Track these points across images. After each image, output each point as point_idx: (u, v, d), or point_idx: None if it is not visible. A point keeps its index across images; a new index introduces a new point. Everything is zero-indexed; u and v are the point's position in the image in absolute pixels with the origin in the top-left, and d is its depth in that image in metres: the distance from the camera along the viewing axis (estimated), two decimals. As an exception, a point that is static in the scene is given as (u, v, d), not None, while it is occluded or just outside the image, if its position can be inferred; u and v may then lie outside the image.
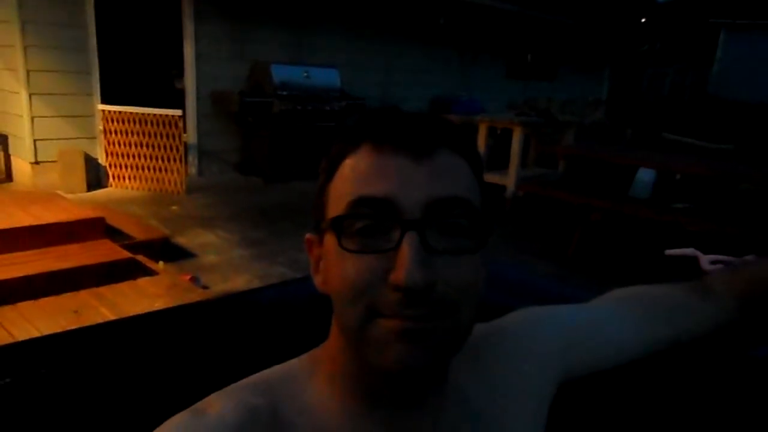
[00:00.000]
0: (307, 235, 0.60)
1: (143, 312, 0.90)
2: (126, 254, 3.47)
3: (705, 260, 0.99)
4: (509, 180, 5.82)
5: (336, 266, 0.51)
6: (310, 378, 0.59)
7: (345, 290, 0.50)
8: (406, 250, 0.47)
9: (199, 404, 0.55)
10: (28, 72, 5.36)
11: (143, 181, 5.91)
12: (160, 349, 0.83)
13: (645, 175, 5.16)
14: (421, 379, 0.53)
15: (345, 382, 0.56)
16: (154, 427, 0.51)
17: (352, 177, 0.52)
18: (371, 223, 0.50)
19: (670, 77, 14.43)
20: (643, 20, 14.84)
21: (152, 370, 0.80)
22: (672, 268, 0.94)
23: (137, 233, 4.07)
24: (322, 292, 0.57)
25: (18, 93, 5.44)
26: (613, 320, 0.75)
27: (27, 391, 0.70)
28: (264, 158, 6.67)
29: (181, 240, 4.40)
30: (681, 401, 0.90)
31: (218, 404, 0.54)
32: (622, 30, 12.95)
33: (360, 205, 0.50)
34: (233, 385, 0.58)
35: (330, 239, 0.52)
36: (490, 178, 6.00)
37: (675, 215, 4.54)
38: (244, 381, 0.59)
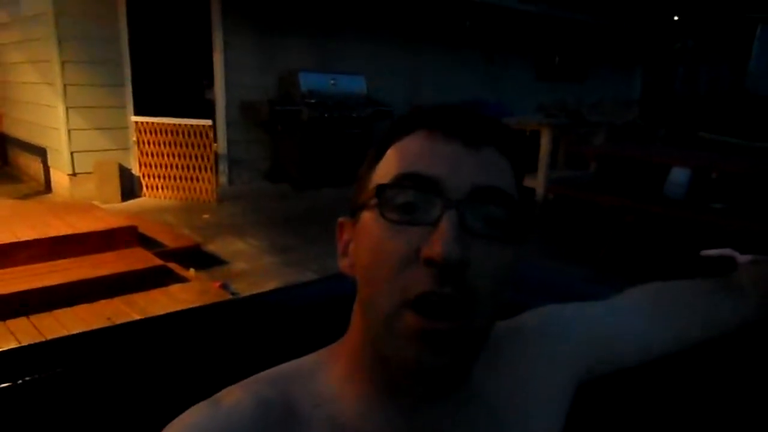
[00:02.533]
0: (340, 219, 0.61)
1: (165, 313, 0.91)
2: (158, 262, 3.54)
3: (743, 260, 0.95)
4: (539, 182, 5.74)
5: (371, 241, 0.52)
6: (328, 371, 0.59)
7: (379, 266, 0.50)
8: (446, 225, 0.47)
9: (216, 395, 0.56)
10: (65, 86, 5.54)
11: (175, 191, 6.03)
12: (179, 349, 0.84)
13: (679, 174, 5.03)
14: (440, 380, 0.53)
15: (364, 375, 0.56)
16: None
17: (400, 156, 0.53)
18: (413, 199, 0.50)
19: (705, 75, 14.08)
20: (675, 18, 14.54)
21: (173, 370, 0.82)
22: (708, 270, 0.91)
23: (169, 241, 4.15)
24: (348, 275, 0.58)
25: (55, 107, 5.62)
26: (637, 318, 0.73)
27: (46, 390, 0.72)
28: (293, 166, 6.74)
29: (212, 247, 4.47)
30: (696, 401, 0.87)
31: (234, 396, 0.55)
32: (653, 28, 12.70)
33: (406, 178, 0.51)
34: (249, 378, 0.59)
35: (368, 215, 0.53)
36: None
37: (713, 216, 4.41)
38: (261, 374, 0.60)
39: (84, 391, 0.76)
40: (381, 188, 0.51)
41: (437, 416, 0.56)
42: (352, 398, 0.56)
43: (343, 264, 0.60)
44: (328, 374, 0.59)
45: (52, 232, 3.53)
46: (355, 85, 7.17)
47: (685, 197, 4.91)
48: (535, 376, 0.65)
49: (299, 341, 0.71)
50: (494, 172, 0.52)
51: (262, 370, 0.59)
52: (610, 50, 11.63)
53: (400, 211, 0.50)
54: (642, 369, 0.71)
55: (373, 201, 0.52)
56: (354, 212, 0.57)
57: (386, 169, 0.54)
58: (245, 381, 0.58)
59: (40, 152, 6.23)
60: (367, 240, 0.53)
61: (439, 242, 0.46)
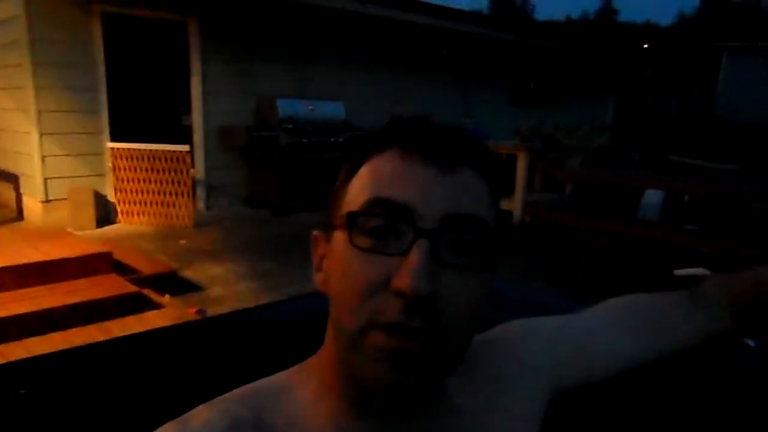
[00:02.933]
0: (315, 232, 0.60)
1: (137, 332, 0.89)
2: (133, 288, 3.48)
3: None
4: (516, 205, 5.81)
5: (342, 264, 0.51)
6: (300, 388, 0.58)
7: (348, 291, 0.50)
8: (416, 257, 0.46)
9: (185, 415, 0.54)
10: (39, 112, 5.48)
11: (152, 217, 5.96)
12: (152, 368, 0.82)
13: (653, 197, 5.15)
14: (410, 398, 0.52)
15: (336, 391, 0.55)
16: None
17: (374, 178, 0.52)
18: (384, 224, 0.49)
19: (675, 101, 14.49)
20: (645, 45, 15.00)
21: (144, 389, 0.80)
22: (681, 288, 0.93)
23: (144, 267, 4.08)
24: (322, 291, 0.57)
25: (29, 133, 5.55)
26: (607, 330, 0.74)
27: (8, 412, 0.70)
28: (272, 191, 6.73)
29: (189, 273, 4.41)
30: (672, 409, 0.88)
31: (203, 415, 0.54)
32: (625, 56, 13.08)
33: (377, 205, 0.50)
34: (221, 397, 0.57)
35: (340, 236, 0.52)
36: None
37: (687, 237, 4.50)
38: (232, 392, 0.58)
39: (51, 412, 0.74)
40: (352, 216, 0.50)
41: (411, 431, 0.56)
42: (323, 417, 0.55)
43: (318, 279, 0.59)
44: (300, 392, 0.58)
45: (24, 260, 3.45)
46: (334, 110, 7.22)
47: (659, 219, 5.01)
48: (508, 388, 0.65)
49: (274, 359, 0.70)
50: (469, 197, 0.51)
51: (236, 388, 0.58)
52: (583, 77, 11.92)
53: (370, 237, 0.49)
54: (613, 382, 0.72)
55: (345, 226, 0.51)
56: (327, 228, 0.56)
57: (359, 188, 0.52)
58: (216, 399, 0.57)
59: (13, 179, 6.12)
60: (338, 263, 0.52)
61: (408, 275, 0.46)
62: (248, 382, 0.59)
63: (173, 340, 0.90)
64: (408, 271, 0.46)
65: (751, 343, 0.87)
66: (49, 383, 0.76)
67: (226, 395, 0.57)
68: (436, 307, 0.47)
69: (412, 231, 0.48)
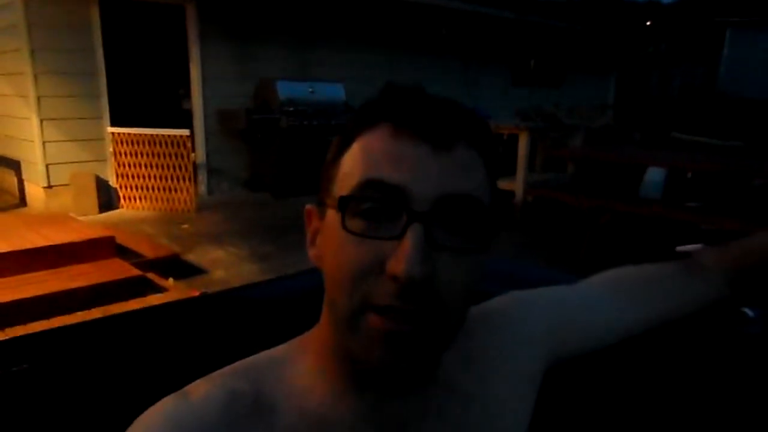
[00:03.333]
0: (308, 206, 0.59)
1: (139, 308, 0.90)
2: (136, 272, 3.50)
3: None
4: (517, 185, 5.80)
5: (335, 247, 0.50)
6: (299, 362, 0.58)
7: (342, 275, 0.49)
8: (410, 241, 0.46)
9: (185, 388, 0.55)
10: (38, 98, 5.47)
11: (154, 201, 5.97)
12: (154, 344, 0.83)
13: (655, 174, 5.12)
14: (404, 377, 0.53)
15: (334, 365, 0.56)
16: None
17: (366, 157, 0.51)
18: (378, 208, 0.48)
19: (678, 78, 14.36)
20: (648, 23, 14.82)
21: (148, 365, 0.81)
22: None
23: (147, 251, 4.10)
24: (317, 266, 0.57)
25: (29, 119, 5.54)
26: (602, 300, 0.74)
27: (11, 386, 0.71)
28: (272, 174, 6.72)
29: (191, 257, 4.43)
30: (672, 378, 0.89)
31: (202, 388, 0.55)
32: (627, 34, 12.94)
33: (369, 187, 0.49)
34: (220, 370, 0.58)
35: (332, 216, 0.51)
36: (499, 184, 5.98)
37: (688, 214, 4.49)
38: (232, 366, 0.59)
39: (54, 385, 0.75)
40: (344, 200, 0.49)
41: (406, 407, 0.56)
42: (322, 390, 0.56)
43: (312, 253, 0.59)
44: (299, 365, 0.58)
45: (27, 245, 3.47)
46: (334, 92, 7.18)
47: (661, 197, 4.99)
48: (504, 361, 0.65)
49: (273, 335, 0.71)
50: (464, 176, 0.50)
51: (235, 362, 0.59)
52: (585, 56, 11.81)
53: (363, 219, 0.48)
54: (612, 351, 0.72)
55: (337, 208, 0.50)
56: (321, 203, 0.56)
57: (351, 166, 0.51)
58: (215, 373, 0.57)
59: (15, 165, 6.13)
60: (331, 243, 0.51)
61: (403, 260, 0.45)
62: (250, 355, 0.59)
63: (173, 317, 0.91)
64: (403, 256, 0.45)
65: (749, 312, 0.88)
66: (53, 358, 0.77)
67: (225, 369, 0.58)
68: (430, 289, 0.47)
69: (406, 214, 0.47)
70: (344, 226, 0.49)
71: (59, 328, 0.84)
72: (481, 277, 0.52)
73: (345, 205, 0.49)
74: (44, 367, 0.75)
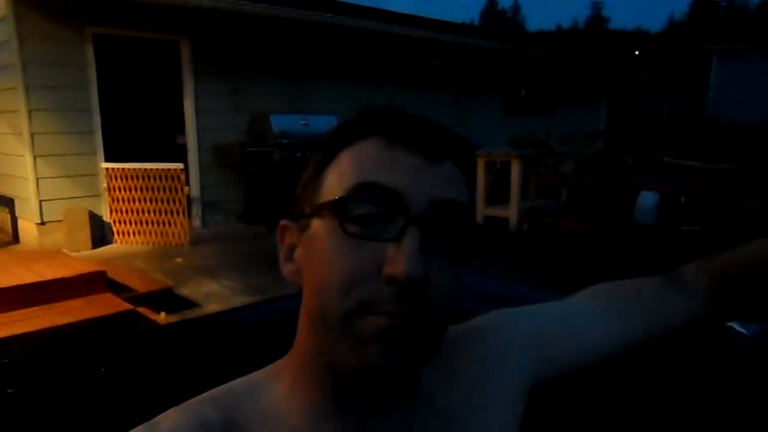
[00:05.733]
0: (282, 222, 0.59)
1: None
2: (127, 306, 3.46)
3: None
4: (511, 212, 5.81)
5: (326, 253, 0.50)
6: (274, 387, 0.57)
7: (335, 279, 0.48)
8: (409, 244, 0.46)
9: (154, 419, 0.54)
10: (32, 135, 5.49)
11: (148, 236, 5.95)
12: (133, 371, 0.81)
13: (648, 199, 5.13)
14: (394, 380, 0.51)
15: (311, 385, 0.54)
16: None
17: (357, 165, 0.51)
18: (373, 211, 0.49)
19: (668, 104, 14.57)
20: (636, 52, 15.11)
21: (127, 392, 0.79)
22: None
23: (139, 286, 4.07)
24: (293, 282, 0.56)
25: (23, 156, 5.56)
26: (586, 317, 0.73)
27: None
28: (267, 206, 6.72)
29: (185, 290, 4.39)
30: (660, 394, 0.87)
31: (171, 418, 0.53)
32: (615, 62, 13.17)
33: (365, 190, 0.49)
34: (193, 399, 0.56)
35: (323, 224, 0.51)
36: (493, 211, 6.00)
37: (685, 238, 4.48)
38: (206, 394, 0.57)
39: (31, 410, 0.73)
40: (341, 201, 0.49)
41: (386, 425, 0.55)
42: (297, 413, 0.55)
43: (287, 269, 0.58)
44: (274, 390, 0.57)
45: (17, 281, 3.44)
46: (327, 124, 7.23)
47: (655, 221, 4.99)
48: (487, 378, 0.64)
49: (253, 359, 0.69)
50: (452, 186, 0.51)
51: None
52: (575, 83, 11.99)
53: (358, 223, 0.48)
54: (600, 367, 0.71)
55: (330, 212, 0.50)
56: (299, 218, 0.55)
57: (340, 175, 0.51)
58: (188, 402, 0.56)
59: (8, 203, 6.11)
60: (321, 251, 0.50)
61: (402, 262, 0.46)
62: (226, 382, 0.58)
63: (155, 343, 0.89)
64: (403, 258, 0.46)
65: (738, 327, 0.86)
66: (31, 384, 0.75)
67: (199, 397, 0.57)
68: (424, 292, 0.47)
69: (404, 217, 0.48)
70: (342, 228, 0.48)
71: (37, 355, 0.82)
72: (461, 283, 0.52)
73: (343, 207, 0.49)
74: (31, 392, 0.73)
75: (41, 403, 0.76)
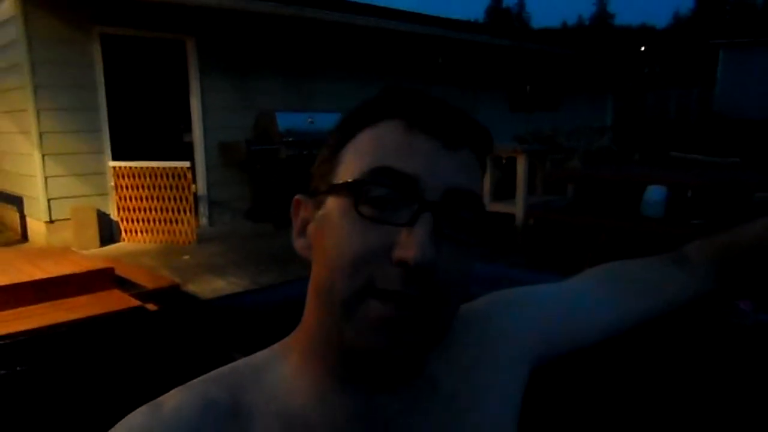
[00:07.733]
0: (297, 197, 0.60)
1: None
2: (135, 302, 3.47)
3: None
4: (518, 208, 5.80)
5: (339, 231, 0.50)
6: (280, 365, 0.57)
7: (345, 258, 0.49)
8: (421, 229, 0.47)
9: (159, 398, 0.54)
10: (40, 134, 5.53)
11: (155, 234, 5.98)
12: (140, 350, 0.82)
13: (655, 193, 5.09)
14: (396, 367, 0.52)
15: (317, 362, 0.55)
16: None
17: (376, 146, 0.51)
18: (389, 195, 0.49)
19: (674, 99, 14.49)
20: (642, 48, 15.04)
21: (133, 371, 0.80)
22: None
23: (147, 282, 4.08)
24: (303, 257, 0.57)
25: (31, 155, 5.60)
26: (589, 297, 0.73)
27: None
28: (273, 204, 6.74)
29: (192, 287, 4.41)
30: (665, 372, 0.87)
31: (177, 397, 0.54)
32: (622, 59, 13.11)
33: (381, 174, 0.50)
34: (198, 379, 0.57)
35: (337, 203, 0.51)
36: (499, 207, 5.98)
37: (694, 232, 4.46)
38: (211, 373, 0.58)
39: (36, 390, 0.74)
40: (358, 183, 0.50)
41: (391, 404, 0.55)
42: (304, 391, 0.55)
43: (299, 244, 0.58)
44: (281, 369, 0.57)
45: (25, 278, 3.46)
46: (333, 122, 7.07)
47: (663, 215, 4.96)
48: (487, 359, 0.64)
49: (259, 342, 0.70)
50: (468, 174, 0.52)
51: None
52: (581, 79, 11.94)
53: (373, 205, 0.49)
54: (605, 345, 0.71)
55: (346, 193, 0.50)
56: (315, 193, 0.56)
57: (359, 155, 0.52)
58: (193, 381, 0.56)
59: (17, 201, 6.16)
60: (334, 230, 0.51)
61: (413, 246, 0.46)
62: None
63: (161, 324, 0.90)
64: (414, 242, 0.46)
65: (742, 305, 0.86)
66: (41, 361, 0.76)
67: (205, 376, 0.57)
68: (433, 278, 0.47)
69: (418, 203, 0.48)
70: (357, 209, 0.49)
71: (47, 333, 0.83)
72: (473, 272, 0.53)
73: (359, 188, 0.50)
74: (34, 371, 0.74)
75: (45, 382, 0.77)
